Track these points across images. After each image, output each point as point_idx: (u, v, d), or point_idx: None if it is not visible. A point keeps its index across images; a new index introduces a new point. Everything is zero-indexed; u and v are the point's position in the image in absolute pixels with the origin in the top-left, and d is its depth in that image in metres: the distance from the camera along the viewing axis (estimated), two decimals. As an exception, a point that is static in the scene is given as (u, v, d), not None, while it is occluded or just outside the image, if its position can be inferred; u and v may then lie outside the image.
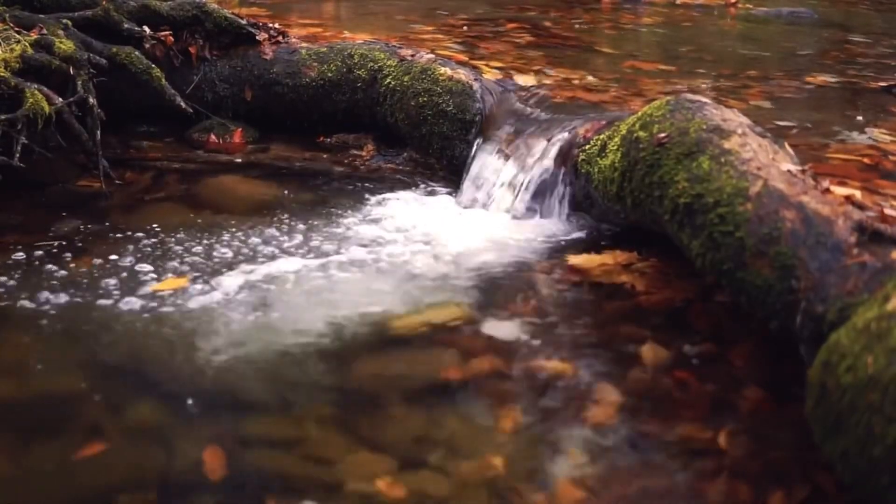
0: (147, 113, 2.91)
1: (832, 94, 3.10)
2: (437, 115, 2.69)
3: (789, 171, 1.73)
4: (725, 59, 3.69)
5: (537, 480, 1.43)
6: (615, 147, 2.09)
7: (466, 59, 3.11)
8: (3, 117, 2.33)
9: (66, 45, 2.58)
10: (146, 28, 2.87)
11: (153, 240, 2.21)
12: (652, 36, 4.38)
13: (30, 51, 2.50)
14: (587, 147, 2.27)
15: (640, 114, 2.06)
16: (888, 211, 1.59)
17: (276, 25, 3.13)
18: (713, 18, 4.99)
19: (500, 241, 2.28)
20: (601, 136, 2.23)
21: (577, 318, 1.95)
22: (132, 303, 1.91)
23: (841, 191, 1.68)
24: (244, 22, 3.00)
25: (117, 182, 2.59)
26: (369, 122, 2.93)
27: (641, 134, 1.98)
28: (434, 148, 2.72)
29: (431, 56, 2.86)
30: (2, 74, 2.38)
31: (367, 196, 2.56)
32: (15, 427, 1.54)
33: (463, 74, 2.74)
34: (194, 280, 2.01)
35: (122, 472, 1.44)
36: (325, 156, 2.86)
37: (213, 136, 2.93)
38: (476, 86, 2.71)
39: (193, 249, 2.17)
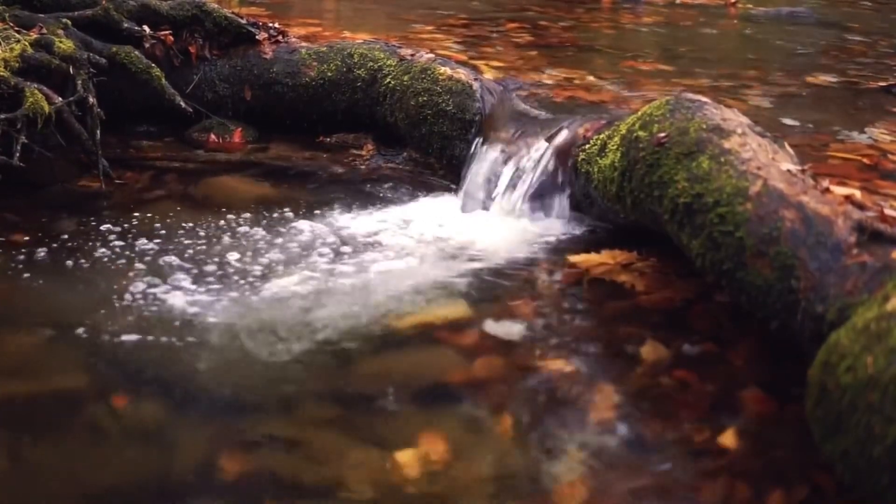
0: (147, 112, 2.90)
1: (832, 94, 3.10)
2: (437, 115, 2.69)
3: (789, 170, 1.73)
4: (725, 59, 3.69)
5: (537, 480, 1.43)
6: (615, 147, 2.09)
7: (466, 58, 3.11)
8: (2, 117, 2.33)
9: (65, 44, 2.57)
10: (146, 27, 2.87)
11: (153, 239, 2.21)
12: (652, 36, 4.38)
13: (30, 50, 2.50)
14: (587, 147, 2.27)
15: (639, 113, 2.06)
16: (888, 211, 1.58)
17: (276, 25, 3.13)
18: (713, 18, 4.99)
19: (500, 240, 2.28)
20: (601, 136, 2.23)
21: (577, 317, 1.95)
22: (132, 302, 1.91)
23: (841, 191, 1.68)
24: (244, 21, 3.00)
25: (117, 181, 2.59)
26: (369, 121, 2.93)
27: (641, 134, 1.98)
28: (434, 148, 2.72)
29: (431, 56, 2.86)
30: (2, 74, 2.37)
31: (366, 196, 2.56)
32: (14, 426, 1.54)
33: (463, 74, 2.74)
34: (194, 279, 2.01)
35: (122, 471, 1.44)
36: (324, 155, 2.86)
37: (212, 136, 2.93)
38: (476, 85, 2.71)
39: (192, 249, 2.17)
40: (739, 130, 1.86)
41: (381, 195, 2.57)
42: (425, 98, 2.71)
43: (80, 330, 1.80)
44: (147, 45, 2.84)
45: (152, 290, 1.95)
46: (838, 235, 1.52)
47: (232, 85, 2.97)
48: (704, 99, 2.01)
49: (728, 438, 1.51)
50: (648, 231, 2.07)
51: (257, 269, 2.07)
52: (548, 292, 2.06)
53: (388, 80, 2.84)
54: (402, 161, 2.81)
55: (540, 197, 2.38)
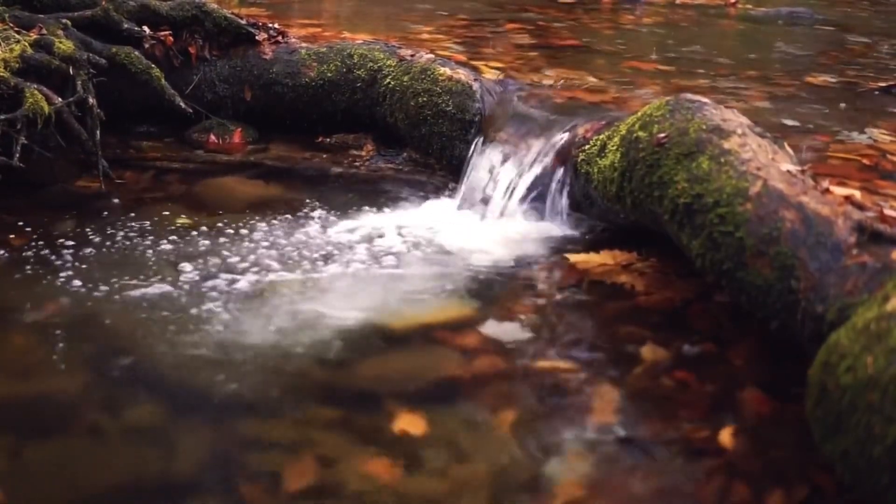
0: (147, 113, 2.90)
1: (832, 95, 3.10)
2: (437, 115, 2.69)
3: (789, 171, 1.73)
4: (725, 59, 3.69)
5: (537, 480, 1.43)
6: (615, 147, 2.09)
7: (466, 59, 3.11)
8: (2, 117, 2.33)
9: (65, 45, 2.57)
10: (146, 28, 2.87)
11: (152, 239, 2.21)
12: (652, 36, 4.38)
13: (29, 51, 2.50)
14: (587, 147, 2.27)
15: (639, 114, 2.06)
16: (888, 211, 1.59)
17: (276, 25, 3.13)
18: (713, 18, 4.99)
19: (500, 240, 2.28)
20: (601, 137, 2.23)
21: (577, 318, 1.95)
22: (131, 302, 1.91)
23: (841, 191, 1.68)
24: (244, 22, 3.00)
25: (117, 182, 2.59)
26: (369, 122, 2.93)
27: (641, 134, 1.98)
28: (433, 148, 2.72)
29: (431, 56, 2.86)
30: (1, 74, 2.37)
31: (366, 196, 2.56)
32: (15, 426, 1.54)
33: (462, 74, 2.74)
34: (193, 279, 2.01)
35: (122, 471, 1.44)
36: (324, 156, 2.86)
37: (212, 136, 2.93)
38: (475, 86, 2.71)
39: (192, 249, 2.17)
40: (739, 131, 1.86)
41: (381, 195, 2.57)
42: (425, 98, 2.71)
43: (80, 330, 1.80)
44: (147, 46, 2.85)
45: (152, 290, 1.96)
46: (838, 236, 1.52)
47: (232, 85, 2.97)
48: (704, 99, 2.01)
49: (728, 438, 1.51)
50: (648, 231, 2.07)
51: (257, 270, 2.07)
52: (548, 293, 2.06)
53: (387, 80, 2.84)
54: (401, 161, 2.81)
55: (540, 197, 2.38)
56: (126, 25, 2.83)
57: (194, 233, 2.26)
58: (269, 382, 1.67)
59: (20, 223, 2.27)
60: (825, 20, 5.00)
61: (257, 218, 2.36)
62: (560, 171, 2.35)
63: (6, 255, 2.10)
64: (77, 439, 1.51)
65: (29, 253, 2.11)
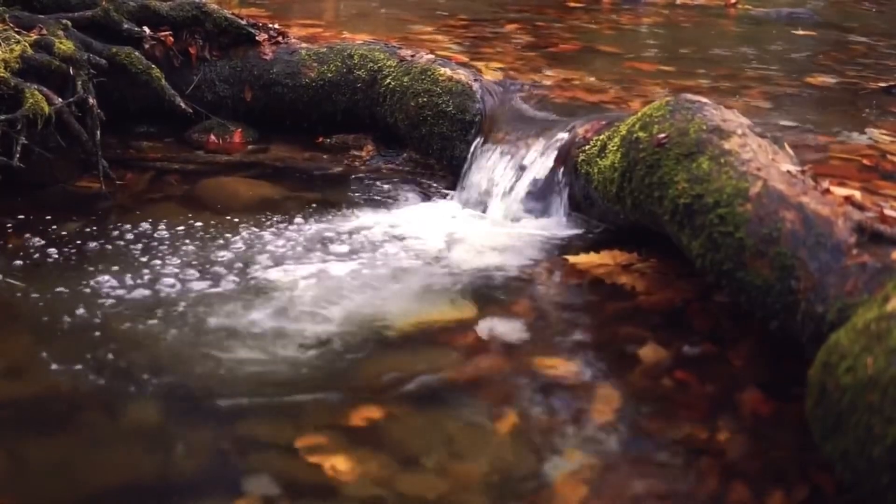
0: (147, 113, 2.90)
1: (832, 95, 3.10)
2: (437, 116, 2.69)
3: (789, 171, 1.73)
4: (725, 60, 3.69)
5: (537, 480, 1.43)
6: (615, 147, 2.09)
7: (466, 59, 3.11)
8: (2, 117, 2.33)
9: (65, 45, 2.57)
10: (146, 28, 2.87)
11: (153, 240, 2.21)
12: (652, 36, 4.38)
13: (30, 51, 2.50)
14: (587, 147, 2.27)
15: (639, 114, 2.06)
16: (888, 211, 1.59)
17: (276, 26, 3.13)
18: (713, 19, 4.99)
19: (500, 241, 2.28)
20: (601, 137, 2.23)
21: (577, 318, 1.95)
22: (131, 302, 1.91)
23: (841, 191, 1.68)
24: (244, 22, 3.00)
25: (117, 182, 2.59)
26: (369, 122, 2.93)
27: (641, 134, 1.98)
28: (434, 148, 2.72)
29: (431, 56, 2.86)
30: (2, 75, 2.38)
31: (366, 197, 2.56)
32: (14, 426, 1.54)
33: (462, 75, 2.74)
34: (193, 280, 2.01)
35: (122, 472, 1.45)
36: (324, 156, 2.86)
37: (212, 137, 2.93)
38: (476, 86, 2.71)
39: (192, 249, 2.17)
40: (739, 131, 1.86)
41: (381, 196, 2.57)
42: (425, 99, 2.71)
43: (81, 330, 1.80)
44: (147, 46, 2.84)
45: (152, 291, 1.96)
46: (838, 236, 1.52)
47: (232, 86, 2.97)
48: (704, 100, 2.01)
49: (728, 438, 1.51)
50: (648, 232, 2.07)
51: (257, 271, 2.07)
52: (548, 293, 2.06)
53: (387, 80, 2.84)
54: (401, 162, 2.81)
55: (540, 197, 2.38)
56: (126, 26, 2.83)
57: (194, 233, 2.26)
58: (267, 382, 1.67)
59: (20, 223, 2.27)
60: (825, 20, 5.00)
61: (257, 218, 2.36)
62: (560, 172, 2.35)
63: (6, 255, 2.10)
64: (77, 439, 1.51)
65: (29, 253, 2.11)
